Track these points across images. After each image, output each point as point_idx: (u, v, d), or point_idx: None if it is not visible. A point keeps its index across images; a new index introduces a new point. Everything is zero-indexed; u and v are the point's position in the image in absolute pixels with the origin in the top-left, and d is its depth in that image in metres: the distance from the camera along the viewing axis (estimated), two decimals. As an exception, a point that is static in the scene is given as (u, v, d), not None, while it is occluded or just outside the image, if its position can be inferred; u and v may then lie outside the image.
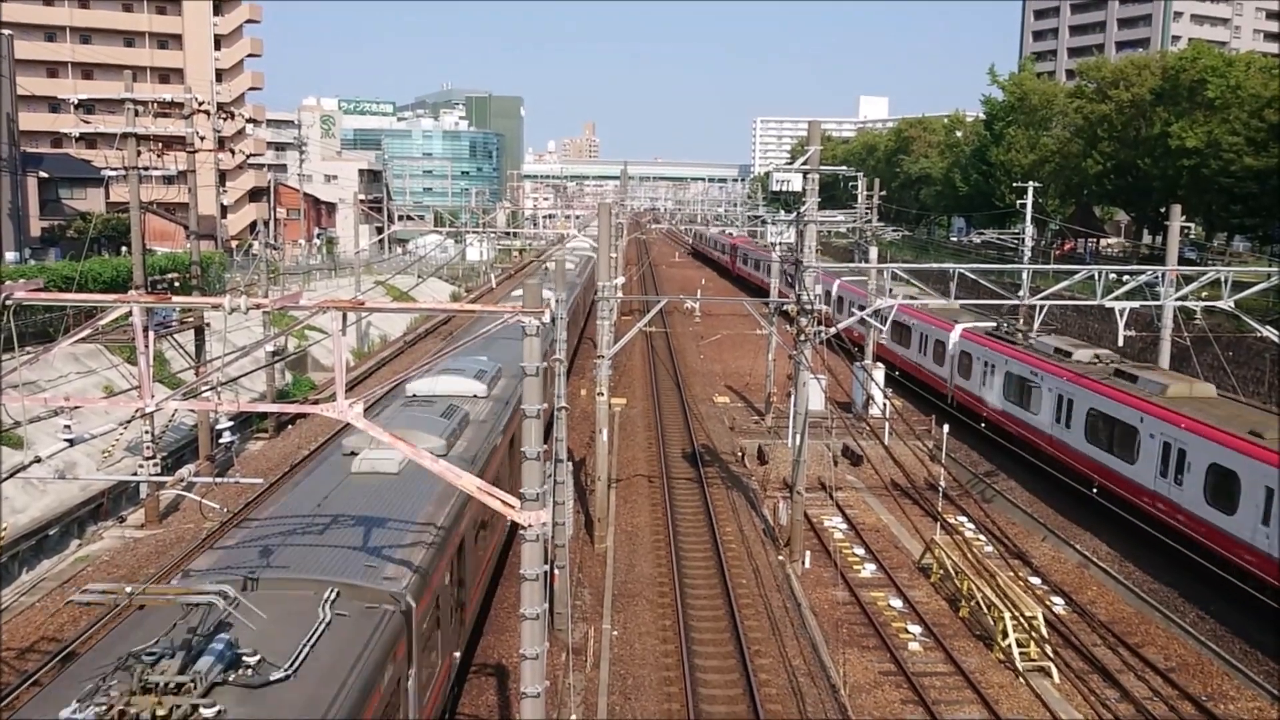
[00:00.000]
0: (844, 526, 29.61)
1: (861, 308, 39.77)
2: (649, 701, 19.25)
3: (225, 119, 33.17)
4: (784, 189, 27.15)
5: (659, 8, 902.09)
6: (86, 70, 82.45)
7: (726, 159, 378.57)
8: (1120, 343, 32.64)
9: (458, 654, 16.79)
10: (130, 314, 12.23)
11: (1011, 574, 23.86)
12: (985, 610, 22.56)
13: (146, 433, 27.39)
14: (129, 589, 10.32)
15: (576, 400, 41.10)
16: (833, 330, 30.77)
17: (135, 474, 27.27)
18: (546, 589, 12.71)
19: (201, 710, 9.11)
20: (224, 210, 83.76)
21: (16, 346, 15.33)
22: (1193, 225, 79.50)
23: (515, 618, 14.02)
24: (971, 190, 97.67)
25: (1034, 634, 20.99)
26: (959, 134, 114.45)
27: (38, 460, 13.64)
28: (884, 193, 69.66)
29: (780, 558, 26.60)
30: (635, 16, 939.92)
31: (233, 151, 38.63)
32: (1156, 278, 33.03)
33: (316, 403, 33.09)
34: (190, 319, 33.20)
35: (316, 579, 12.65)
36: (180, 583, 12.91)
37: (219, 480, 17.19)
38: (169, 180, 29.52)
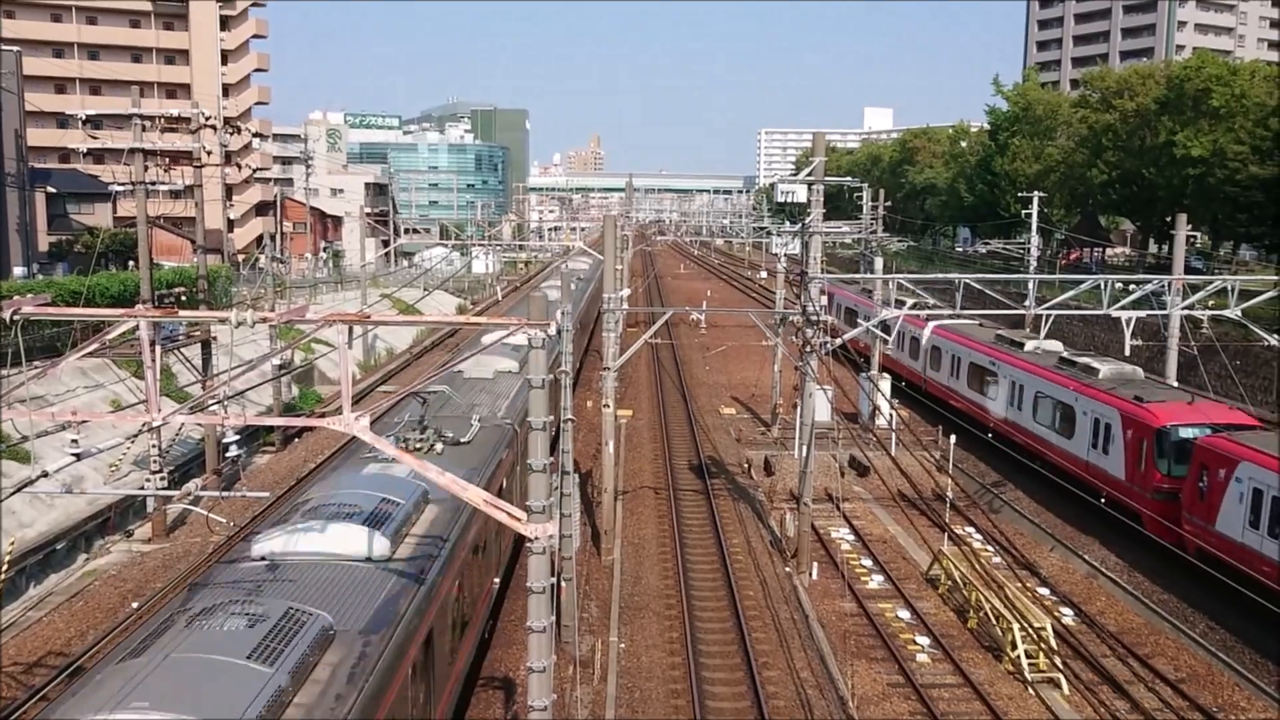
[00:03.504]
0: (851, 537, 29.53)
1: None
2: (656, 714, 19.19)
3: (232, 133, 33.33)
4: (789, 200, 27.17)
5: (664, 20, 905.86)
6: (94, 86, 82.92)
7: (731, 171, 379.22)
8: (1126, 352, 32.55)
9: None
10: (137, 328, 12.29)
11: (1020, 585, 23.78)
12: (994, 621, 22.47)
13: (153, 447, 27.43)
14: None
15: (582, 412, 41.10)
16: (839, 341, 30.75)
17: (142, 488, 27.30)
18: (553, 602, 12.70)
19: None
20: (230, 224, 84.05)
21: (24, 361, 15.34)
22: (1198, 234, 79.56)
23: (522, 631, 14.00)
24: (976, 200, 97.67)
25: (1043, 645, 20.90)
26: (963, 144, 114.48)
27: (45, 475, 13.68)
28: (889, 203, 69.49)
29: (787, 569, 26.53)
30: (640, 29, 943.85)
31: (239, 166, 38.85)
32: (1163, 287, 32.97)
33: (323, 416, 33.17)
34: (197, 333, 33.32)
35: None
36: None
37: (226, 494, 17.28)
38: (176, 195, 29.65)
